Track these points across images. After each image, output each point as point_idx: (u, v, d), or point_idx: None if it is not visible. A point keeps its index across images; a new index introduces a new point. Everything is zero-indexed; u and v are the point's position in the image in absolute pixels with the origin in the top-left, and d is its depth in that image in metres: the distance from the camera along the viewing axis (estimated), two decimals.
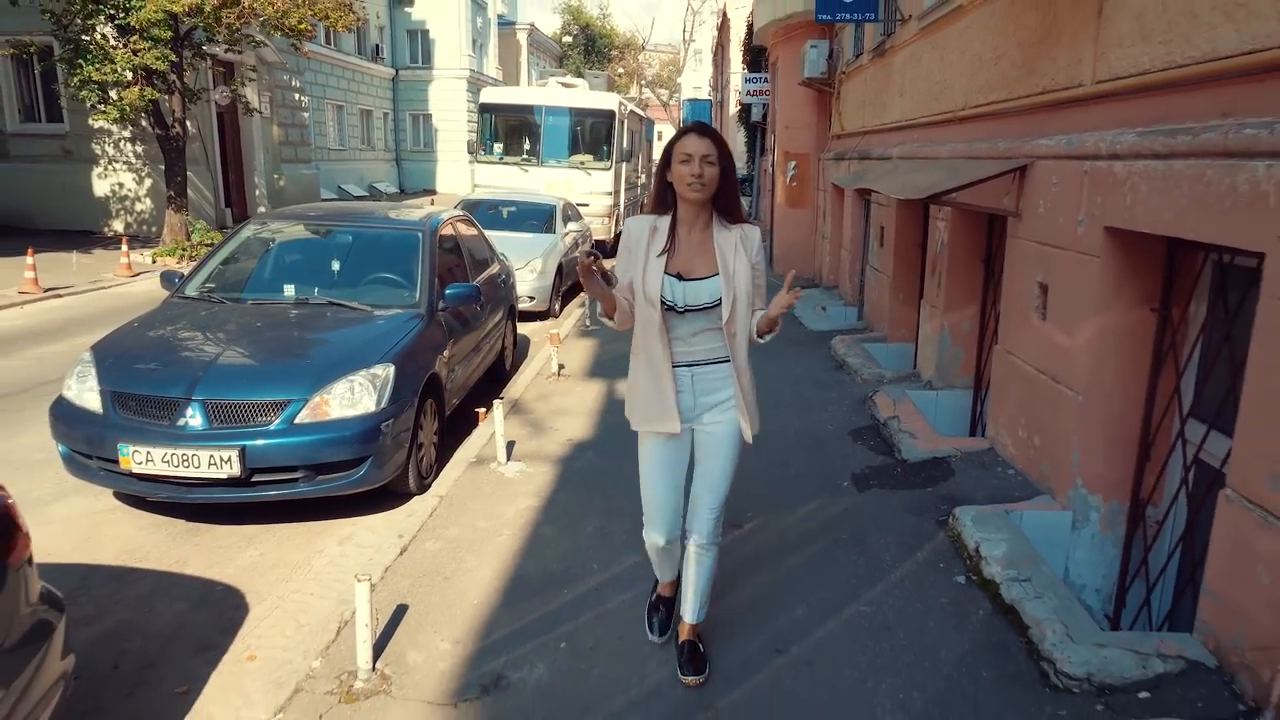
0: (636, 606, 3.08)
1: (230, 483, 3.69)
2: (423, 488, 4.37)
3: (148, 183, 15.16)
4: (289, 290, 4.85)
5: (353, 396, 3.90)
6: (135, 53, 11.07)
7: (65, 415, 3.88)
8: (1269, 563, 2.28)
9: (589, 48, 44.90)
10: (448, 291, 4.92)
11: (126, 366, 3.94)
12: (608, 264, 2.32)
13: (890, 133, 7.18)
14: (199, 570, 3.61)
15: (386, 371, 4.03)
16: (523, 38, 39.58)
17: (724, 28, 31.73)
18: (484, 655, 2.84)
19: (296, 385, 3.84)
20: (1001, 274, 4.52)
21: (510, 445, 4.70)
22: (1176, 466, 3.16)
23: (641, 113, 20.85)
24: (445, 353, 4.75)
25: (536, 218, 10.21)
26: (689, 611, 2.73)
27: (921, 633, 2.91)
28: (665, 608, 2.90)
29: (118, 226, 15.14)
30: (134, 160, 15.14)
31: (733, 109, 25.98)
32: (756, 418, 2.58)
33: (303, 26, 12.01)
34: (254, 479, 3.72)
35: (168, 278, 5.00)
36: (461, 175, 30.90)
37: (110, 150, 15.11)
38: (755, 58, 15.45)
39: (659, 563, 2.82)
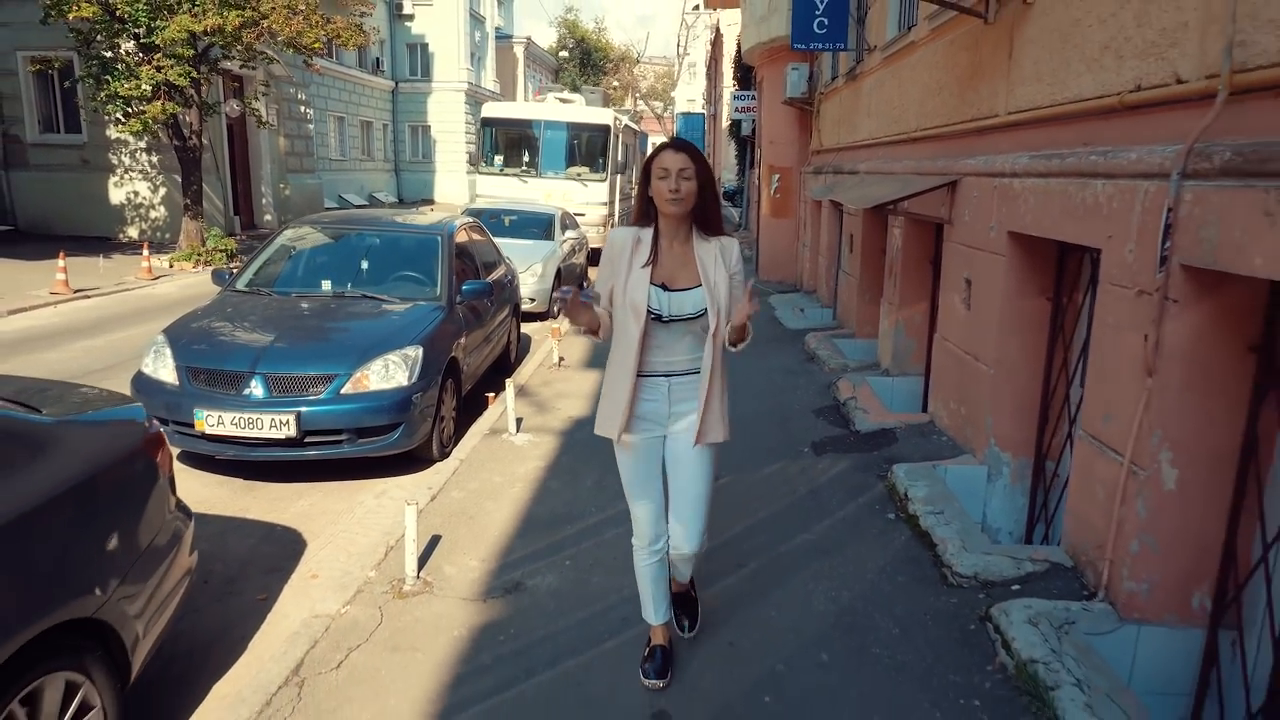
0: (629, 538, 3.82)
1: (287, 443, 4.42)
2: (444, 454, 5.10)
3: (162, 191, 15.89)
4: (326, 285, 5.60)
5: (388, 373, 4.64)
6: (159, 69, 11.82)
7: (145, 387, 4.60)
8: (1103, 482, 3.03)
9: (584, 61, 45.84)
10: (464, 287, 5.67)
11: (197, 346, 4.68)
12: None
13: (860, 150, 7.97)
14: (260, 515, 4.34)
15: (416, 353, 4.77)
16: (519, 51, 40.51)
17: (717, 42, 32.67)
18: (505, 569, 3.57)
19: (341, 362, 4.59)
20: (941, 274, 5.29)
21: (519, 421, 5.44)
22: (1066, 425, 3.92)
23: (635, 126, 21.70)
24: (462, 340, 5.50)
25: (537, 226, 10.98)
26: (680, 577, 2.95)
27: (855, 553, 3.66)
28: (661, 656, 2.81)
29: (132, 233, 15.85)
30: (149, 170, 15.87)
31: (725, 123, 26.83)
32: (724, 426, 2.63)
33: (316, 45, 12.78)
34: (307, 440, 4.45)
35: (218, 275, 5.75)
36: (459, 186, 31.73)
37: (126, 160, 15.84)
38: (744, 75, 16.30)
39: (650, 591, 2.80)
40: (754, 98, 14.52)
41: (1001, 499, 4.22)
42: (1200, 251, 2.52)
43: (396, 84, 31.37)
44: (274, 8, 11.95)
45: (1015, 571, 3.22)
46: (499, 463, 4.83)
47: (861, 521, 3.97)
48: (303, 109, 20.64)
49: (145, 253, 12.08)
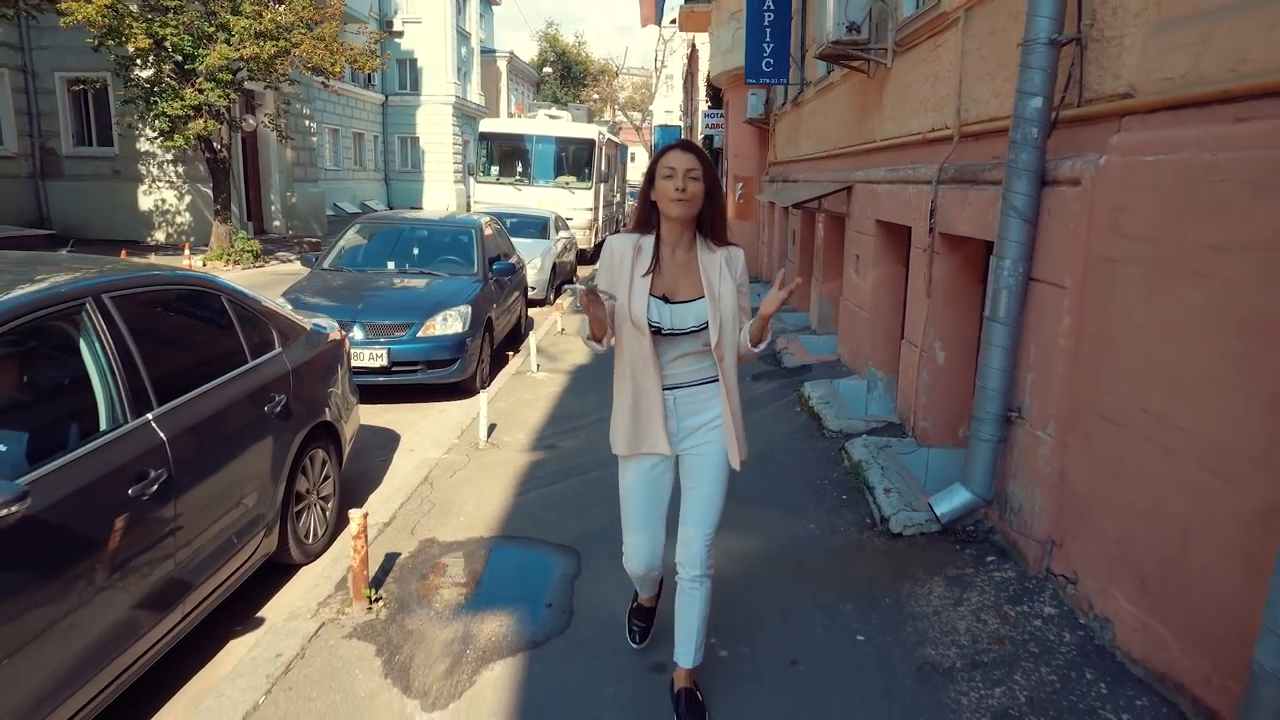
0: None
1: (380, 370, 6.36)
2: (483, 386, 7.05)
3: (187, 199, 17.72)
4: (390, 265, 7.56)
5: (447, 323, 6.60)
6: (200, 91, 13.69)
7: None
8: (910, 365, 5.07)
9: (565, 75, 47.97)
10: (494, 266, 7.65)
11: (311, 301, 6.62)
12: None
13: (800, 163, 10.05)
14: (363, 421, 6.27)
15: (466, 310, 6.74)
16: (503, 65, 42.59)
17: (693, 57, 34.88)
18: (541, 439, 5.55)
19: (415, 314, 6.54)
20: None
21: (538, 365, 7.43)
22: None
23: (617, 140, 23.79)
24: (494, 305, 7.48)
25: (534, 227, 12.97)
26: (684, 654, 2.61)
27: (771, 425, 5.68)
28: (645, 618, 2.98)
29: (160, 237, 17.67)
30: (175, 179, 17.70)
31: (700, 135, 29.00)
32: (744, 443, 2.58)
33: (337, 70, 14.72)
34: (393, 369, 6.40)
35: (306, 259, 7.71)
36: (447, 194, 33.68)
37: (155, 170, 17.67)
38: (715, 95, 18.43)
39: (638, 583, 2.86)
40: (722, 116, 16.65)
41: (876, 402, 6.23)
42: (944, 224, 4.57)
43: (387, 97, 33.25)
44: (304, 38, 13.89)
45: (863, 427, 5.25)
46: (526, 389, 6.81)
47: (779, 411, 6.00)
48: (307, 123, 22.52)
49: (186, 254, 13.94)
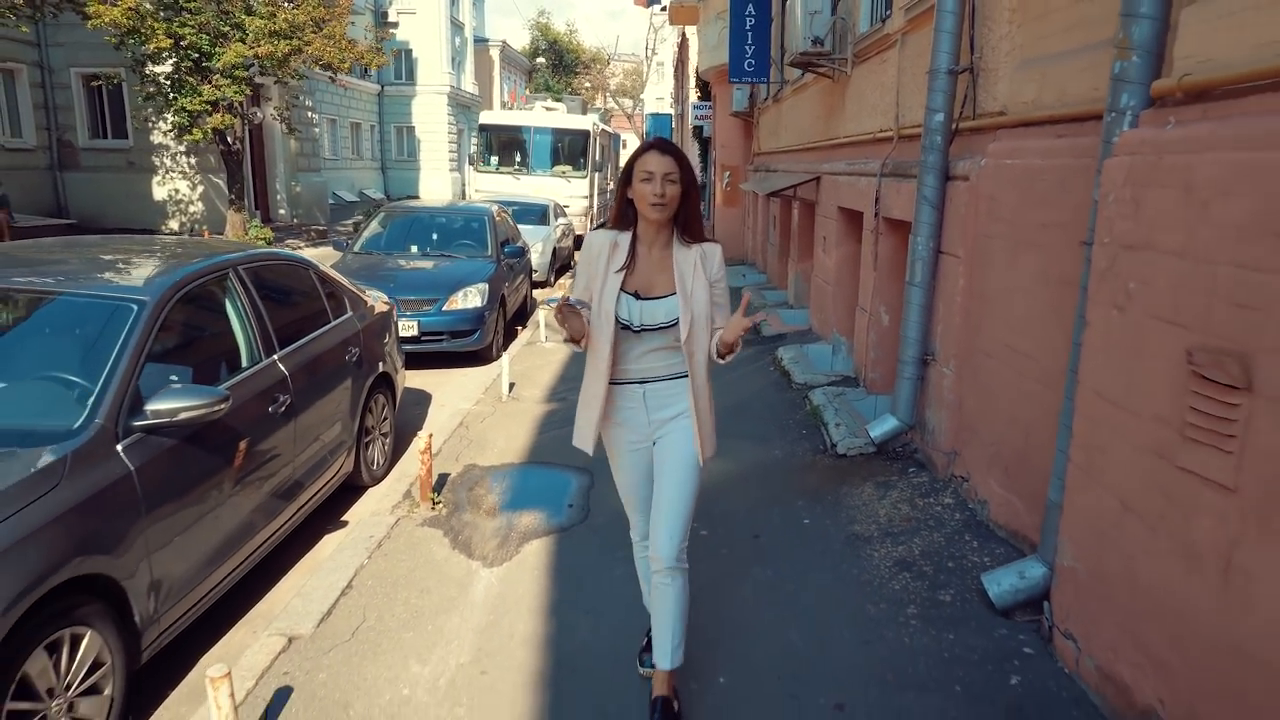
0: None
1: (412, 339, 7.38)
2: (498, 356, 8.09)
3: (200, 189, 18.64)
4: (414, 249, 8.58)
5: (467, 299, 7.63)
6: (217, 87, 14.60)
7: None
8: (862, 328, 6.13)
9: (557, 63, 48.72)
10: (505, 249, 8.68)
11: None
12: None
13: (780, 154, 11.08)
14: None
15: (484, 286, 7.77)
16: (495, 54, 43.35)
17: (684, 45, 35.76)
18: (554, 393, 6.60)
19: (439, 291, 7.57)
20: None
21: (546, 337, 8.47)
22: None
23: (610, 130, 24.75)
24: (506, 284, 8.51)
25: (535, 214, 13.96)
26: (661, 654, 2.61)
27: (748, 382, 6.74)
28: None
29: (173, 225, 18.58)
30: (188, 170, 18.61)
31: (691, 123, 29.95)
32: (712, 439, 2.61)
33: (345, 66, 15.64)
34: (422, 338, 7.42)
35: (338, 243, 8.72)
36: (443, 183, 34.58)
37: (168, 162, 18.57)
38: (704, 88, 19.40)
39: (648, 587, 2.83)
40: (711, 108, 17.64)
41: (840, 362, 7.29)
42: (885, 209, 5.61)
43: (383, 87, 34.03)
44: (315, 36, 14.80)
45: (825, 380, 6.32)
46: (538, 355, 7.86)
47: (756, 371, 7.07)
48: (310, 114, 23.38)
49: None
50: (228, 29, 14.53)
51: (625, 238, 2.50)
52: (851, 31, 6.93)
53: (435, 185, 34.32)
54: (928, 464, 4.69)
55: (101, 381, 2.94)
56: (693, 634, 2.82)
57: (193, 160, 18.50)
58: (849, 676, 2.92)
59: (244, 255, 4.10)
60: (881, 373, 5.90)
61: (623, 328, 2.47)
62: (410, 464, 5.00)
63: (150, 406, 2.95)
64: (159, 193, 18.68)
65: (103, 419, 2.84)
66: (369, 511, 4.52)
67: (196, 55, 14.64)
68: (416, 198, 33.40)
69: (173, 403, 2.99)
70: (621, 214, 2.51)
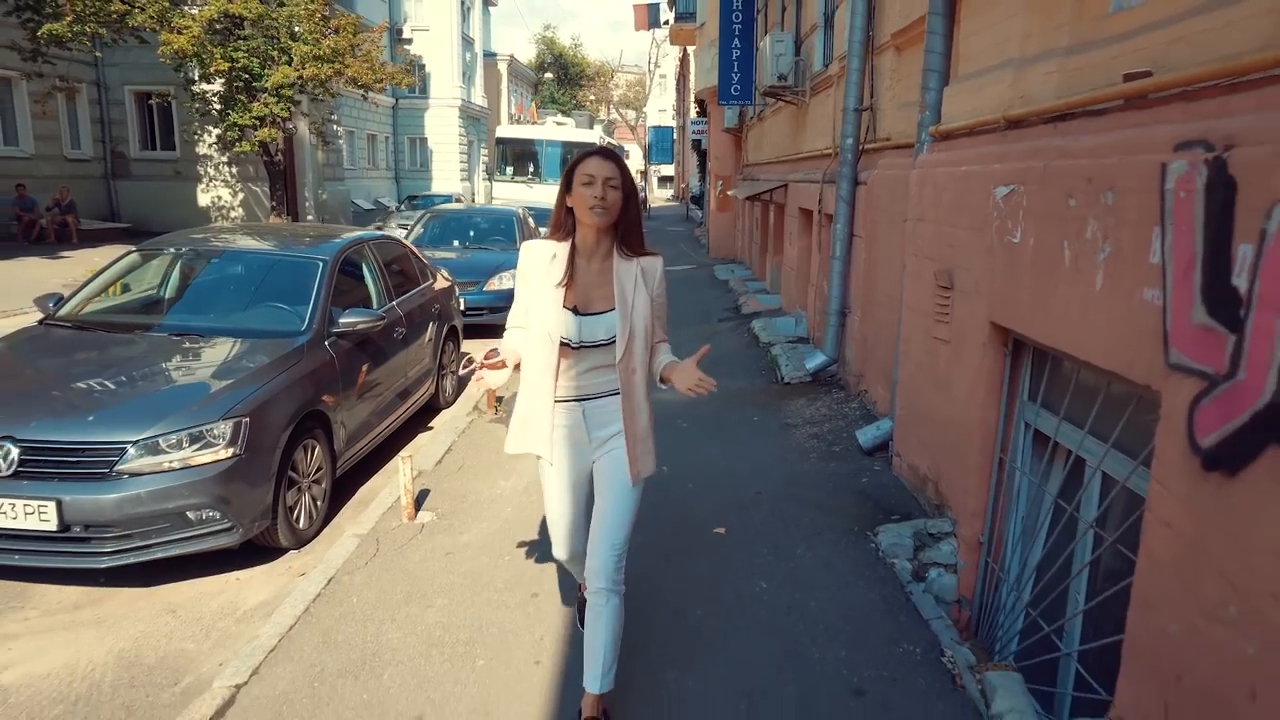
0: None
1: (460, 313, 9.38)
2: None
3: (240, 195, 20.71)
4: (455, 242, 10.61)
5: (502, 281, 9.63)
6: (265, 105, 16.66)
7: None
8: (810, 299, 8.11)
9: (562, 77, 50.99)
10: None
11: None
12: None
13: (763, 165, 13.11)
14: None
15: (514, 272, 9.78)
16: (503, 68, 45.61)
17: (685, 61, 38.00)
18: None
19: (480, 275, 9.58)
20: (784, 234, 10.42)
21: None
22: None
23: (614, 142, 26.85)
24: None
25: (546, 218, 15.99)
26: (591, 679, 2.53)
27: (725, 343, 8.74)
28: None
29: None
30: (230, 179, 20.69)
31: (690, 137, 32.10)
32: (651, 458, 2.58)
33: (379, 86, 17.73)
34: (467, 312, 9.41)
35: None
36: (453, 191, 36.66)
37: (211, 171, 20.65)
38: (701, 104, 21.49)
39: (574, 571, 2.95)
40: (707, 123, 19.71)
41: (799, 330, 9.29)
42: (825, 207, 7.61)
43: (397, 101, 36.21)
44: (354, 61, 16.89)
45: (784, 340, 8.31)
46: None
47: (733, 337, 9.06)
48: (335, 127, 25.49)
49: None
50: (275, 53, 16.61)
51: (564, 249, 2.44)
52: (808, 69, 8.95)
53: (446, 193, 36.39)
54: (845, 385, 6.67)
55: (311, 305, 4.93)
56: (673, 461, 4.77)
57: (234, 170, 20.59)
58: (767, 481, 4.89)
59: (370, 235, 6.12)
60: (824, 330, 7.88)
61: (562, 345, 2.41)
62: (474, 390, 6.98)
63: (341, 320, 4.94)
64: (203, 199, 20.75)
65: (316, 326, 4.84)
66: (449, 418, 6.50)
67: (247, 76, 16.71)
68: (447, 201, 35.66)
69: (352, 319, 4.98)
70: (560, 222, 2.46)
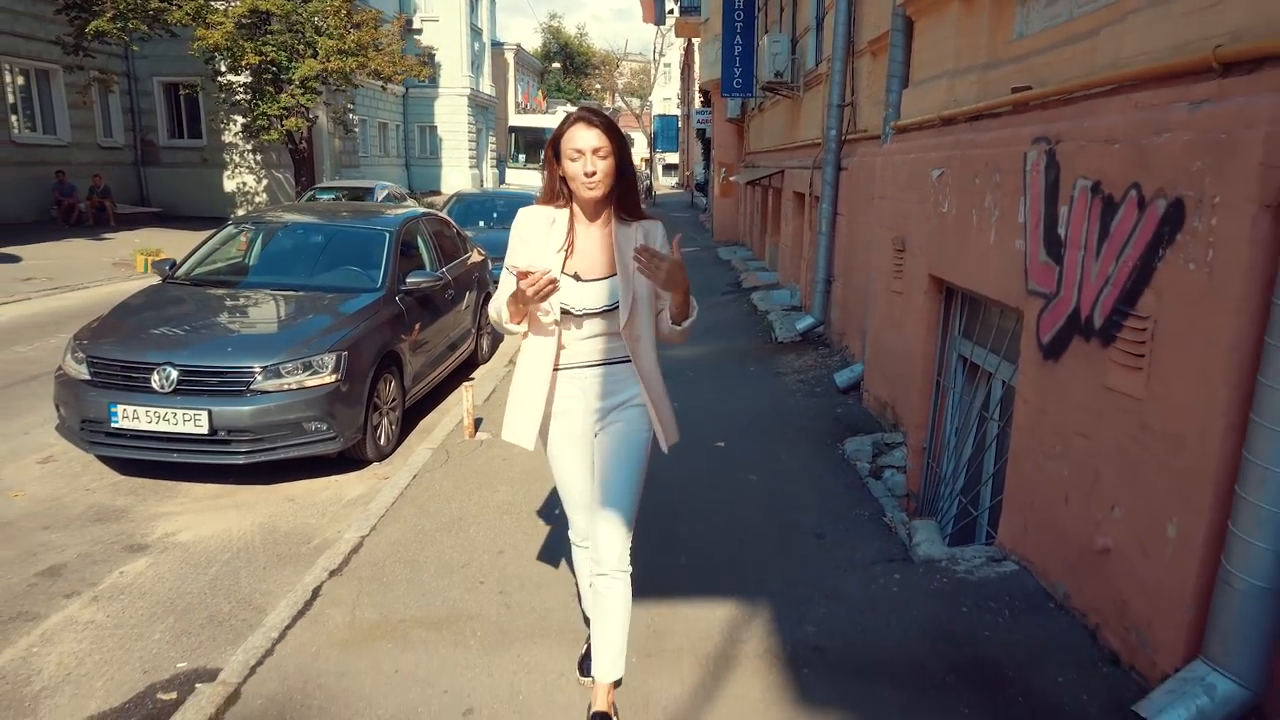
0: None
1: None
2: None
3: (264, 181, 21.79)
4: (480, 223, 11.70)
5: None
6: (292, 96, 17.71)
7: None
8: (804, 272, 9.20)
9: (568, 66, 51.91)
10: None
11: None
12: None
13: (763, 153, 14.17)
14: None
15: None
16: (510, 57, 46.54)
17: (690, 50, 38.91)
18: None
19: (502, 250, 10.65)
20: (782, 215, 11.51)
21: None
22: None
23: (623, 130, 27.90)
24: None
25: None
26: (602, 666, 2.49)
27: (727, 313, 9.84)
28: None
29: (241, 214, 21.68)
30: (254, 166, 21.77)
31: (694, 126, 33.10)
32: (674, 426, 2.54)
33: (398, 79, 18.77)
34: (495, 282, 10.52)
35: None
36: (463, 178, 37.68)
37: (236, 158, 21.73)
38: (705, 96, 22.51)
39: (586, 584, 2.72)
40: (710, 114, 20.74)
41: (793, 299, 10.38)
42: (814, 190, 8.69)
43: (407, 90, 37.09)
44: (376, 55, 17.94)
45: (781, 309, 9.40)
46: None
47: (734, 307, 10.17)
48: (352, 116, 26.54)
49: None
50: (301, 47, 17.65)
51: (563, 215, 2.41)
52: (802, 67, 10.01)
53: (456, 180, 37.39)
54: (829, 343, 7.78)
55: (383, 267, 6.04)
56: (681, 400, 5.88)
57: (258, 157, 21.66)
58: (758, 413, 6.00)
59: (423, 212, 7.25)
60: (813, 297, 8.97)
61: (563, 313, 2.36)
62: (508, 346, 8.09)
63: (408, 280, 6.04)
64: (228, 185, 21.84)
65: (388, 284, 5.94)
66: (487, 370, 7.60)
67: (275, 69, 17.76)
68: (439, 192, 36.61)
69: (417, 279, 6.08)
70: (555, 190, 2.41)
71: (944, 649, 2.98)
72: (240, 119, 18.80)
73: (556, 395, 2.48)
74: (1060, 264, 3.15)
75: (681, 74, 45.77)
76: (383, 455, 5.52)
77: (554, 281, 2.22)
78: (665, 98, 53.43)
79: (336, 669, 3.00)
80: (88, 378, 4.82)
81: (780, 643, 3.08)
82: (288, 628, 3.28)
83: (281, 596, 3.65)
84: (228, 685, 2.94)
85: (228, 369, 4.81)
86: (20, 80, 18.08)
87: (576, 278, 2.38)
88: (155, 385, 4.72)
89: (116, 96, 20.87)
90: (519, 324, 2.41)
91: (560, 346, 2.43)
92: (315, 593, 3.55)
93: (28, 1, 17.32)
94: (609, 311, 2.40)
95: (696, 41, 31.89)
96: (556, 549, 3.92)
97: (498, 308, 2.43)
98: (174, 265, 6.24)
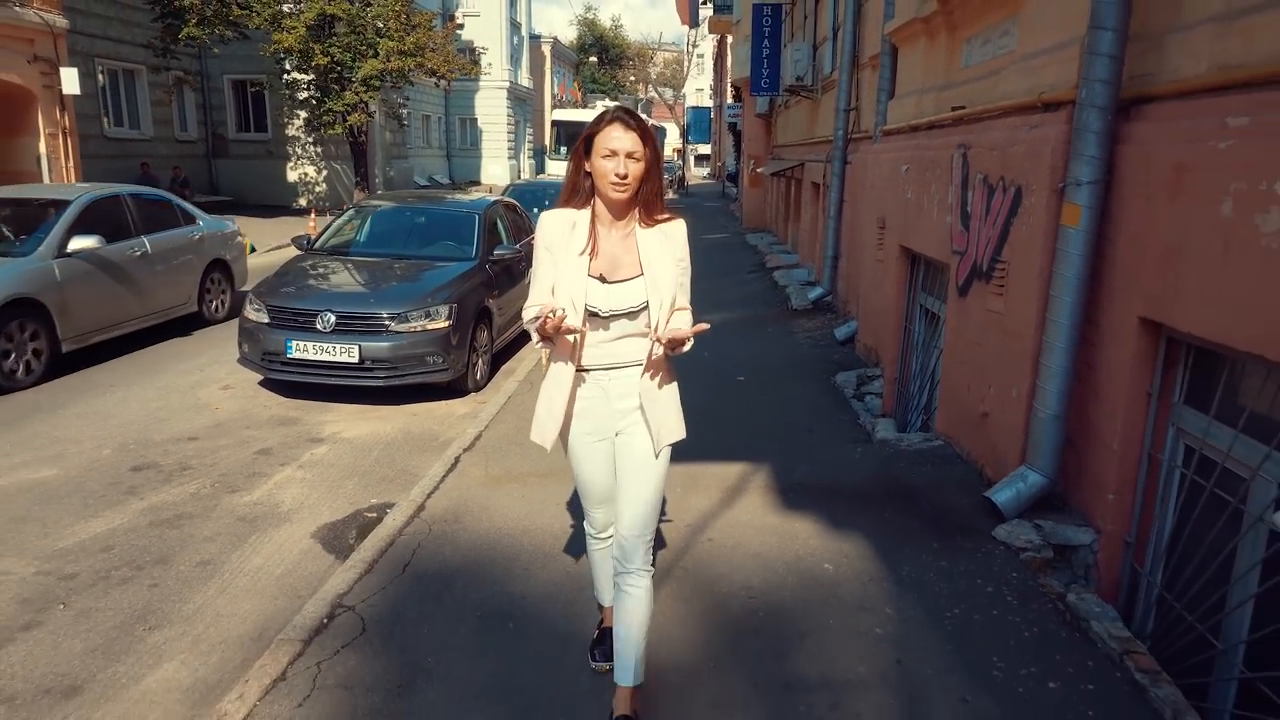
0: None
1: None
2: None
3: (324, 173, 23.68)
4: (535, 210, 13.37)
5: None
6: (356, 93, 19.50)
7: None
8: (819, 252, 10.75)
9: (603, 58, 53.50)
10: None
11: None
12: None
13: (788, 147, 15.68)
14: None
15: None
16: (547, 50, 48.22)
17: (723, 42, 40.30)
18: None
19: None
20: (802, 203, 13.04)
21: None
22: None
23: (656, 123, 29.44)
24: None
25: None
26: (622, 669, 2.53)
27: (751, 287, 11.42)
28: (610, 639, 2.74)
29: (302, 202, 23.63)
30: (315, 158, 23.67)
31: (726, 120, 34.59)
32: (680, 423, 2.60)
33: (451, 75, 20.51)
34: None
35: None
36: (501, 169, 39.44)
37: (299, 151, 23.64)
38: (736, 91, 24.01)
39: (601, 573, 2.88)
40: (741, 108, 22.24)
41: (809, 277, 11.92)
42: (827, 181, 10.23)
43: (449, 83, 39.00)
44: (433, 55, 19.68)
45: (798, 283, 10.96)
46: None
47: (758, 284, 11.75)
48: (404, 111, 28.38)
49: (312, 218, 19.84)
50: (364, 47, 19.44)
51: (584, 216, 2.42)
52: (820, 72, 11.53)
53: (495, 171, 39.19)
54: (836, 309, 9.34)
55: (475, 241, 7.71)
56: (712, 352, 7.49)
57: (319, 149, 23.56)
58: (772, 359, 7.59)
59: (500, 198, 8.94)
60: (823, 272, 10.52)
61: (590, 314, 2.38)
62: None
63: (495, 252, 7.70)
64: (291, 176, 23.77)
65: (480, 255, 7.61)
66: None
67: (339, 69, 19.56)
68: (478, 183, 38.41)
69: (501, 251, 7.76)
70: (576, 189, 2.44)
71: (882, 483, 4.58)
72: (303, 114, 20.64)
73: (579, 396, 2.52)
74: (968, 231, 4.71)
75: (715, 66, 47.16)
76: (478, 387, 7.20)
77: (571, 330, 2.31)
78: (698, 88, 54.82)
79: (482, 497, 4.66)
80: (268, 321, 6.54)
81: (776, 482, 4.70)
82: (442, 479, 4.95)
83: (431, 465, 5.32)
84: (414, 503, 4.62)
85: (371, 314, 6.51)
86: (104, 80, 20.09)
87: (601, 279, 2.39)
88: (319, 326, 6.42)
89: (190, 93, 22.84)
90: (546, 346, 2.45)
91: (584, 348, 2.46)
92: (456, 460, 5.22)
93: (117, 8, 19.28)
94: (635, 313, 2.41)
95: (729, 37, 33.36)
96: None
97: (528, 321, 2.42)
98: (310, 241, 7.96)
